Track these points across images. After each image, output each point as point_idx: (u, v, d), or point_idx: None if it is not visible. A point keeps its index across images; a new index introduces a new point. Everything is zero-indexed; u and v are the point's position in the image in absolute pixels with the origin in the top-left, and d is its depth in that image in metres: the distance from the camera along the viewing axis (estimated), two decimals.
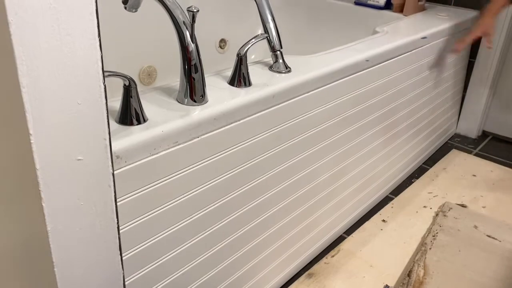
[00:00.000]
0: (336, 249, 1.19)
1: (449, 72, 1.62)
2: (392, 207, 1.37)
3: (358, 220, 1.32)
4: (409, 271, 1.11)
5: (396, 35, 1.31)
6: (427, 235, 1.24)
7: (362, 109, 1.16)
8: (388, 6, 1.68)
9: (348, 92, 1.08)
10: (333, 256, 1.16)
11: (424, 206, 1.37)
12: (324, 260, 1.15)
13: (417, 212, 1.35)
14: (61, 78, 0.44)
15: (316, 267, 1.13)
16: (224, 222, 0.84)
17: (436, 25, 1.47)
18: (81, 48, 0.44)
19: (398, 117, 1.36)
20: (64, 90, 0.44)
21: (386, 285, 1.06)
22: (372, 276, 1.10)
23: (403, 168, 1.51)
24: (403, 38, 1.28)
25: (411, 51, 1.31)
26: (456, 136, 1.89)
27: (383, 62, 1.18)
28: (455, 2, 1.76)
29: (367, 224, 1.29)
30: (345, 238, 1.24)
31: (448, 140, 1.84)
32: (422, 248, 1.18)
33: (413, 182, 1.53)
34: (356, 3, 1.75)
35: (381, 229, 1.27)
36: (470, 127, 1.87)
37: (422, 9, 1.68)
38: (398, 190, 1.48)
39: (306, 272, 1.11)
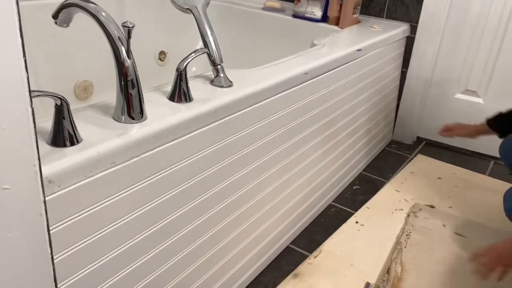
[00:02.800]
0: (318, 250, 1.24)
1: (384, 82, 1.69)
2: (367, 209, 1.44)
3: (304, 229, 1.34)
4: (388, 269, 1.18)
5: (334, 47, 1.35)
6: (401, 235, 1.32)
7: (303, 121, 1.17)
8: (324, 19, 1.73)
9: (289, 105, 1.09)
10: (315, 257, 1.21)
11: (396, 209, 1.45)
12: (307, 260, 1.20)
13: (390, 213, 1.42)
14: None
15: (300, 268, 1.17)
16: (168, 243, 0.82)
17: (370, 37, 1.52)
18: (3, 70, 0.41)
19: (337, 127, 1.40)
20: None
21: (367, 282, 1.11)
22: (353, 274, 1.16)
23: (344, 175, 1.55)
24: (340, 50, 1.31)
25: (347, 63, 1.35)
26: (393, 142, 1.97)
27: (321, 74, 1.21)
28: (387, 15, 1.85)
29: (345, 226, 1.35)
30: (293, 248, 1.26)
31: (385, 147, 1.92)
32: (397, 247, 1.26)
33: (354, 189, 1.58)
34: (294, 16, 1.78)
35: (358, 230, 1.33)
36: (405, 133, 1.96)
37: (357, 21, 1.74)
38: (340, 197, 1.52)
39: (292, 273, 1.15)
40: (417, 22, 1.78)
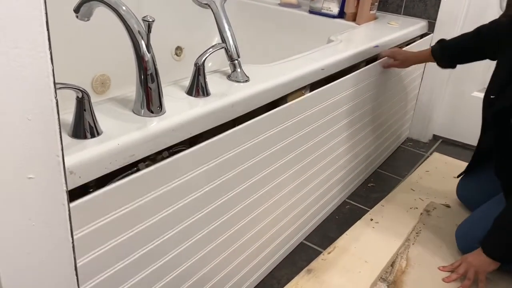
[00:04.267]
0: (332, 246, 1.24)
1: (406, 80, 1.67)
2: (382, 206, 1.44)
3: (318, 225, 1.34)
4: (393, 262, 1.19)
5: (350, 43, 1.34)
6: (411, 232, 1.32)
7: (325, 122, 1.17)
8: (341, 15, 1.72)
9: (312, 106, 1.09)
10: (329, 253, 1.21)
11: (410, 207, 1.44)
12: (321, 256, 1.20)
13: (404, 211, 1.42)
14: (10, 93, 0.41)
15: (314, 264, 1.17)
16: (184, 246, 0.83)
17: (388, 33, 1.51)
18: (30, 61, 0.42)
19: (360, 125, 1.39)
20: (13, 105, 0.42)
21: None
22: (367, 271, 1.16)
23: (360, 173, 1.55)
24: (357, 46, 1.31)
25: (369, 61, 1.35)
26: (409, 140, 1.95)
27: (345, 75, 1.21)
28: (405, 12, 1.83)
29: (359, 223, 1.35)
30: (307, 244, 1.26)
31: (401, 144, 1.91)
32: (405, 243, 1.27)
33: (369, 186, 1.57)
34: (311, 12, 1.78)
35: (373, 228, 1.33)
36: (421, 131, 1.94)
37: (374, 18, 1.73)
38: (354, 195, 1.51)
39: (306, 268, 1.15)
40: (435, 19, 1.76)
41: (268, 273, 1.15)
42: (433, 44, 1.44)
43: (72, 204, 0.58)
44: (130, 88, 0.78)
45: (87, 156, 0.61)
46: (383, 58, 1.43)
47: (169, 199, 0.76)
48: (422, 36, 1.77)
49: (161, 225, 0.76)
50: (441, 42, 1.40)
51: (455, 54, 1.37)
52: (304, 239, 1.28)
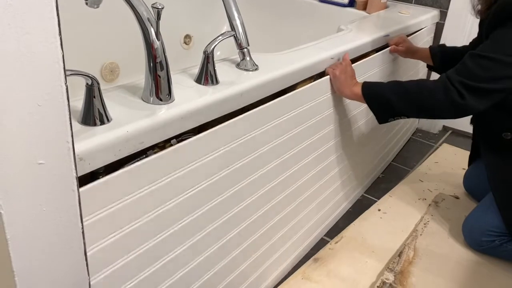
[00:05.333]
0: (339, 235, 1.24)
1: (415, 70, 1.66)
2: (390, 197, 1.44)
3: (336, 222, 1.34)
4: (400, 252, 1.20)
5: (361, 32, 1.33)
6: (419, 223, 1.32)
7: (334, 112, 1.16)
8: (351, 3, 1.71)
9: (324, 92, 1.08)
10: (336, 243, 1.22)
11: (419, 198, 1.44)
12: (328, 246, 1.20)
13: (413, 202, 1.42)
14: (20, 79, 0.41)
15: (321, 252, 1.18)
16: (211, 227, 0.83)
17: (399, 22, 1.49)
18: (41, 47, 0.42)
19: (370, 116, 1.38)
20: (23, 91, 0.42)
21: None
22: (374, 261, 1.16)
23: (375, 166, 1.54)
24: (367, 36, 1.29)
25: (378, 50, 1.33)
26: (418, 131, 1.94)
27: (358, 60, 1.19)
28: (416, 1, 1.80)
29: (367, 214, 1.35)
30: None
31: (411, 135, 1.89)
32: (413, 234, 1.27)
33: (379, 177, 1.57)
34: (321, 0, 1.76)
35: (381, 218, 1.33)
36: (430, 122, 1.93)
37: (385, 6, 1.71)
38: (371, 189, 1.51)
39: (313, 257, 1.16)
40: (447, 8, 1.74)
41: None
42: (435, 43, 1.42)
43: (82, 189, 0.59)
44: (139, 76, 0.78)
45: (96, 142, 0.61)
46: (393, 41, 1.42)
47: (184, 184, 0.76)
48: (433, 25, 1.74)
49: (172, 214, 0.76)
50: (442, 47, 1.40)
51: (454, 59, 1.34)
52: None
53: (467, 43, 1.36)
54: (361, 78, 1.26)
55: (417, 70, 1.69)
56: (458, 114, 1.03)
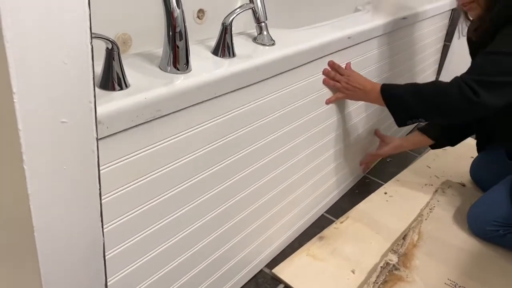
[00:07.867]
0: (344, 216, 1.25)
1: (424, 54, 1.64)
2: (397, 181, 1.44)
3: (333, 196, 1.35)
4: (405, 235, 1.20)
5: (378, 13, 1.32)
6: (425, 208, 1.33)
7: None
8: None
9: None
10: (342, 222, 1.23)
11: (425, 184, 1.45)
12: (333, 225, 1.22)
13: (419, 187, 1.42)
14: (48, 35, 0.42)
15: (326, 232, 1.19)
16: (211, 193, 0.84)
17: (416, 5, 1.48)
18: (69, 3, 0.42)
19: None
20: (50, 47, 0.42)
21: None
22: (378, 242, 1.17)
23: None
24: (384, 17, 1.28)
25: (391, 31, 1.32)
26: None
27: (366, 40, 1.18)
28: None
29: (373, 196, 1.36)
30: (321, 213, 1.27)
31: None
32: (418, 218, 1.28)
33: (387, 161, 1.57)
34: None
35: (386, 201, 1.34)
36: None
37: None
38: (378, 172, 1.51)
39: (318, 235, 1.17)
40: None
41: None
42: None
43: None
44: (151, 48, 0.78)
45: (115, 107, 0.61)
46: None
47: (199, 142, 0.76)
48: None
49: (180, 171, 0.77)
50: (427, 124, 1.35)
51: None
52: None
53: None
54: (375, 51, 1.25)
55: (435, 50, 1.68)
56: (475, 112, 1.03)
